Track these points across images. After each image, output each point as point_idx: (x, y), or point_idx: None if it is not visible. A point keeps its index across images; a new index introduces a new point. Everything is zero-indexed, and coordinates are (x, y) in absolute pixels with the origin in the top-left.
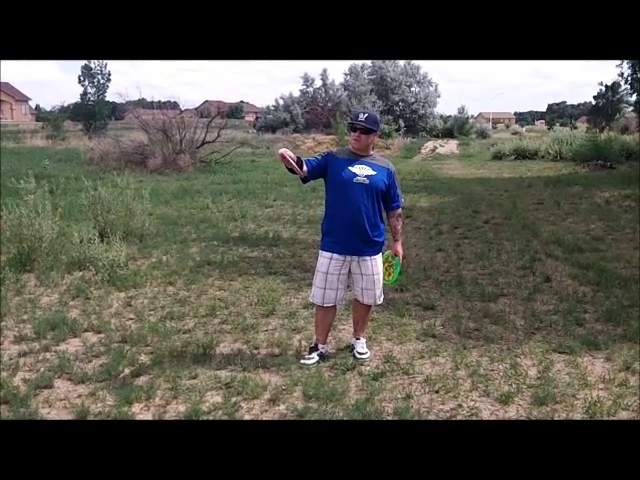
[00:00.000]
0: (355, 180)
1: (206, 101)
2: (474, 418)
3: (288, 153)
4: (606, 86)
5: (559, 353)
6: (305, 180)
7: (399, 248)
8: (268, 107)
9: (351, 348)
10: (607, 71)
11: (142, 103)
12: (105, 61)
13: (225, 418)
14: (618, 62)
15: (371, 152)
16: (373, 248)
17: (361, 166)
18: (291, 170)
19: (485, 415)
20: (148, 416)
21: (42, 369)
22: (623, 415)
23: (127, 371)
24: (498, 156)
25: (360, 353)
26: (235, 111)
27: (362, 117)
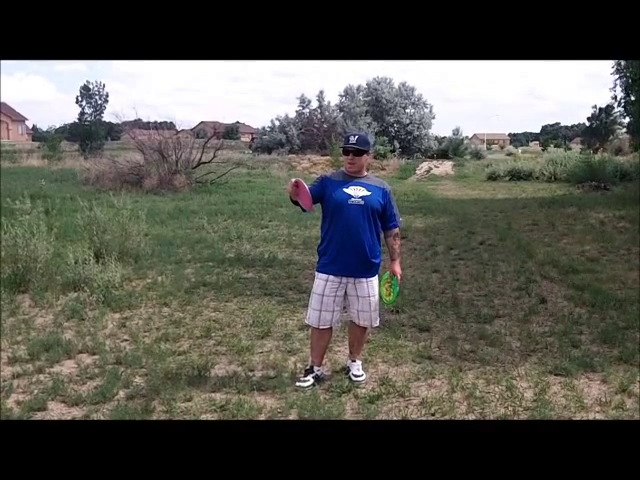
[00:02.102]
0: (350, 201)
1: (202, 122)
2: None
3: (300, 182)
4: (599, 108)
5: (555, 375)
6: (305, 209)
7: (397, 268)
8: (264, 128)
9: (347, 370)
10: (600, 93)
11: (138, 123)
12: (103, 82)
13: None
14: (611, 85)
15: (365, 173)
16: (370, 270)
17: (356, 187)
18: (296, 202)
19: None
20: None
21: (36, 391)
22: None
23: (122, 393)
24: (493, 177)
25: (356, 375)
26: (231, 132)
27: (353, 139)
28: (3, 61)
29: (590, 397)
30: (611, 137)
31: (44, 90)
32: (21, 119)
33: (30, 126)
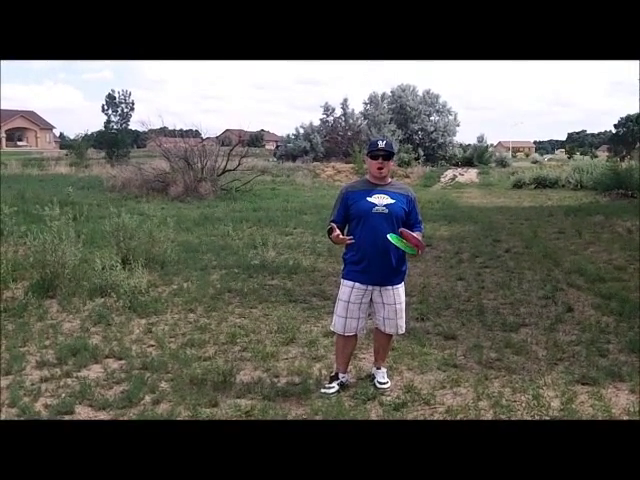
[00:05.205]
0: (374, 210)
1: (227, 130)
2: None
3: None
4: (627, 115)
5: (582, 384)
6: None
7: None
8: (288, 136)
9: (372, 377)
10: (627, 102)
11: (164, 131)
12: (129, 90)
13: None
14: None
15: (389, 179)
16: (396, 277)
17: (379, 195)
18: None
19: None
20: None
21: (63, 395)
22: None
23: (148, 398)
24: (518, 185)
25: (381, 383)
26: (255, 140)
27: (382, 144)
28: (27, 68)
29: (618, 407)
30: (638, 145)
31: (71, 98)
32: (49, 127)
33: (58, 134)
